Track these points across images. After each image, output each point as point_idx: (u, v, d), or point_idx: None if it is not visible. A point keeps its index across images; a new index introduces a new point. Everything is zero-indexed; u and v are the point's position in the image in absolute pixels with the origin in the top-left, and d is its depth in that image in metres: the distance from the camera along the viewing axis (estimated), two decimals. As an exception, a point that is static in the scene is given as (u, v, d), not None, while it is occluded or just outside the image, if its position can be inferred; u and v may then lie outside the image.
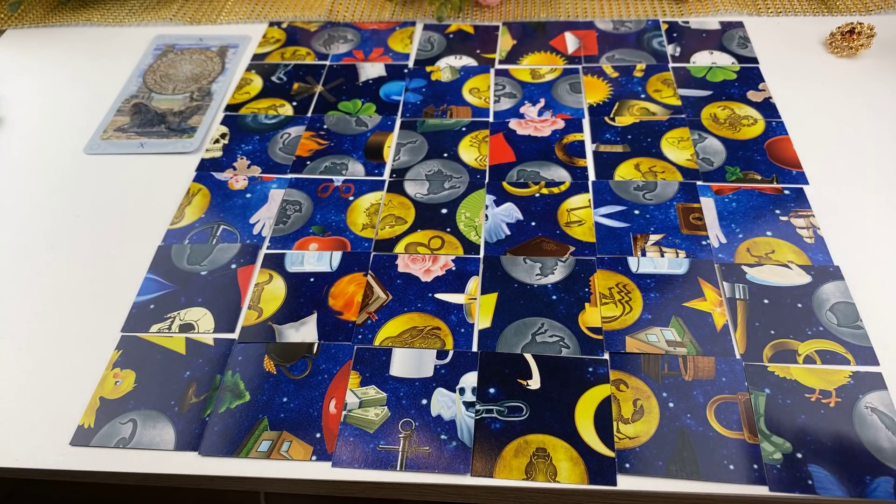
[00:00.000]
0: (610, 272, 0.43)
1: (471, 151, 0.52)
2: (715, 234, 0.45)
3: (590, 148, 0.52)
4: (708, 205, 0.47)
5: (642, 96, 0.55)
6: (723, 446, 0.35)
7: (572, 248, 0.44)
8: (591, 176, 0.49)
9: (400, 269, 0.44)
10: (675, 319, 0.40)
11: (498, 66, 0.60)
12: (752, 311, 0.40)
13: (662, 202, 0.47)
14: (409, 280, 0.44)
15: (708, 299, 0.41)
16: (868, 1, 0.63)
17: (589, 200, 0.48)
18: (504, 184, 0.49)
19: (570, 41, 0.62)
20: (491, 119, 0.55)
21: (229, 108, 0.58)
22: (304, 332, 0.41)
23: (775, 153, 0.50)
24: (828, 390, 0.37)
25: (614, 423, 0.36)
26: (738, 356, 0.38)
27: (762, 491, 0.33)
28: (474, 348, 0.40)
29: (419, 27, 0.65)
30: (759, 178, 0.48)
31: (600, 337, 0.40)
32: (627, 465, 0.34)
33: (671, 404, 0.37)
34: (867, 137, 0.51)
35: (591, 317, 0.41)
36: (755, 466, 0.34)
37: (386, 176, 0.51)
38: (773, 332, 0.39)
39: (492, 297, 0.42)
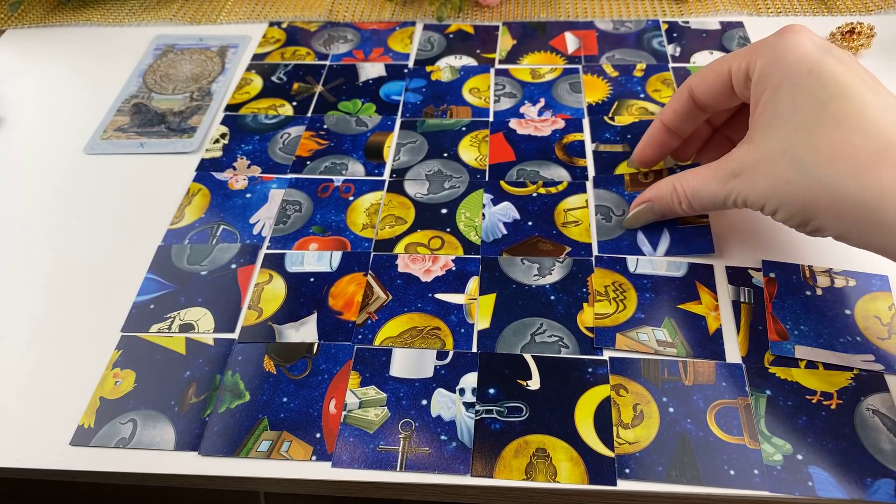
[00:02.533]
0: (608, 271, 0.43)
1: (471, 151, 0.52)
2: (715, 234, 0.45)
3: (589, 147, 0.52)
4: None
5: (641, 96, 0.55)
6: (723, 451, 0.35)
7: (568, 249, 0.44)
8: (591, 176, 0.49)
9: (400, 269, 0.44)
10: (667, 320, 0.40)
11: (498, 66, 0.60)
12: (755, 315, 0.40)
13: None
14: (409, 280, 0.44)
15: (703, 303, 0.41)
16: (868, 1, 0.63)
17: (586, 201, 0.48)
18: (502, 183, 0.49)
19: (570, 41, 0.62)
20: (491, 119, 0.55)
21: (229, 108, 0.58)
22: (304, 332, 0.41)
23: (775, 153, 0.50)
24: (829, 392, 0.37)
25: (614, 429, 0.36)
26: (731, 360, 0.38)
27: (762, 492, 0.33)
28: (474, 349, 0.40)
29: (419, 27, 0.65)
30: (760, 178, 0.48)
31: (600, 337, 0.40)
32: (627, 471, 0.34)
33: (671, 409, 0.37)
34: (867, 138, 0.50)
35: (589, 317, 0.41)
36: (756, 472, 0.34)
37: (386, 176, 0.51)
38: (773, 332, 0.39)
39: (490, 298, 0.42)
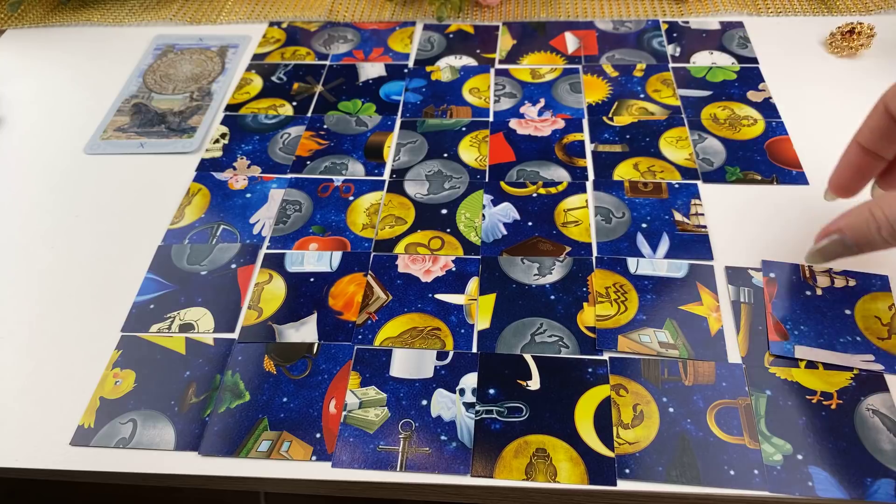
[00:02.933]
0: (608, 272, 0.43)
1: (471, 151, 0.52)
2: (715, 234, 0.45)
3: (588, 148, 0.52)
4: (708, 205, 0.47)
5: (641, 96, 0.55)
6: (723, 452, 0.35)
7: (568, 249, 0.44)
8: (591, 176, 0.49)
9: (400, 270, 0.44)
10: (669, 322, 0.40)
11: (498, 66, 0.60)
12: (755, 315, 0.40)
13: (662, 203, 0.47)
14: (409, 280, 0.44)
15: (704, 304, 0.41)
16: (868, 1, 0.63)
17: (586, 201, 0.48)
18: (502, 183, 0.49)
19: (570, 41, 0.62)
20: (491, 119, 0.55)
21: (229, 108, 0.58)
22: (304, 332, 0.41)
23: (775, 153, 0.50)
24: (829, 392, 0.37)
25: (614, 429, 0.36)
26: (732, 361, 0.38)
27: (762, 492, 0.33)
28: (474, 349, 0.40)
29: (419, 27, 0.65)
30: (759, 178, 0.48)
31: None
32: (627, 471, 0.34)
33: (671, 409, 0.36)
34: (867, 138, 0.50)
35: (589, 316, 0.41)
36: (756, 472, 0.34)
37: (386, 176, 0.51)
38: (773, 332, 0.39)
39: (490, 298, 0.42)
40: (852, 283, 0.41)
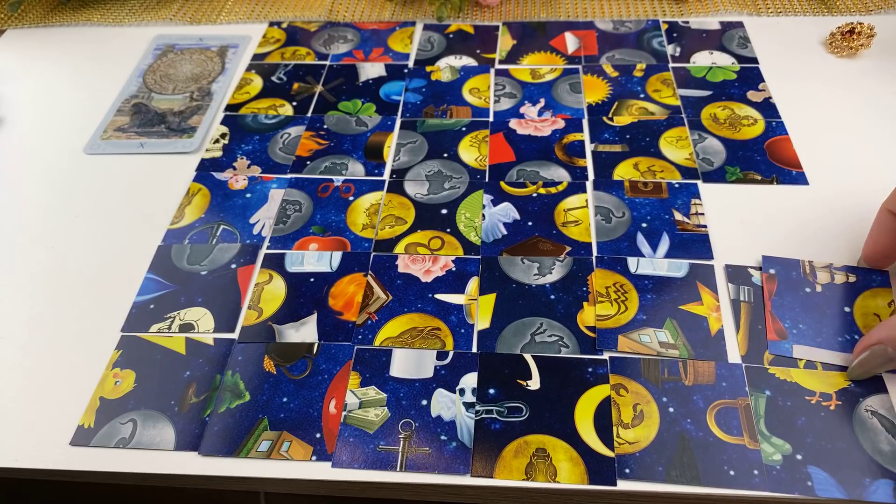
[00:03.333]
0: (608, 271, 0.43)
1: (471, 151, 0.52)
2: (715, 234, 0.45)
3: (588, 147, 0.52)
4: (708, 205, 0.47)
5: (641, 96, 0.55)
6: (723, 452, 0.35)
7: (568, 248, 0.44)
8: (591, 176, 0.49)
9: (400, 270, 0.44)
10: (669, 321, 0.40)
11: (498, 66, 0.60)
12: (755, 314, 0.40)
13: (662, 202, 0.47)
14: (409, 280, 0.44)
15: (705, 304, 0.41)
16: (868, 1, 0.63)
17: (586, 201, 0.48)
18: (502, 183, 0.49)
19: (570, 41, 0.62)
20: (491, 119, 0.55)
21: (229, 108, 0.58)
22: (304, 332, 0.41)
23: (775, 153, 0.50)
24: (828, 393, 0.37)
25: (614, 429, 0.36)
26: (732, 361, 0.38)
27: (762, 492, 0.33)
28: (474, 349, 0.40)
29: (419, 27, 0.65)
30: (759, 178, 0.48)
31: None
32: (627, 471, 0.34)
33: (671, 409, 0.37)
34: (868, 137, 0.51)
35: (589, 316, 0.41)
36: (755, 472, 0.34)
37: (386, 176, 0.51)
38: (772, 332, 0.39)
39: (490, 298, 0.42)
40: (852, 278, 0.41)
